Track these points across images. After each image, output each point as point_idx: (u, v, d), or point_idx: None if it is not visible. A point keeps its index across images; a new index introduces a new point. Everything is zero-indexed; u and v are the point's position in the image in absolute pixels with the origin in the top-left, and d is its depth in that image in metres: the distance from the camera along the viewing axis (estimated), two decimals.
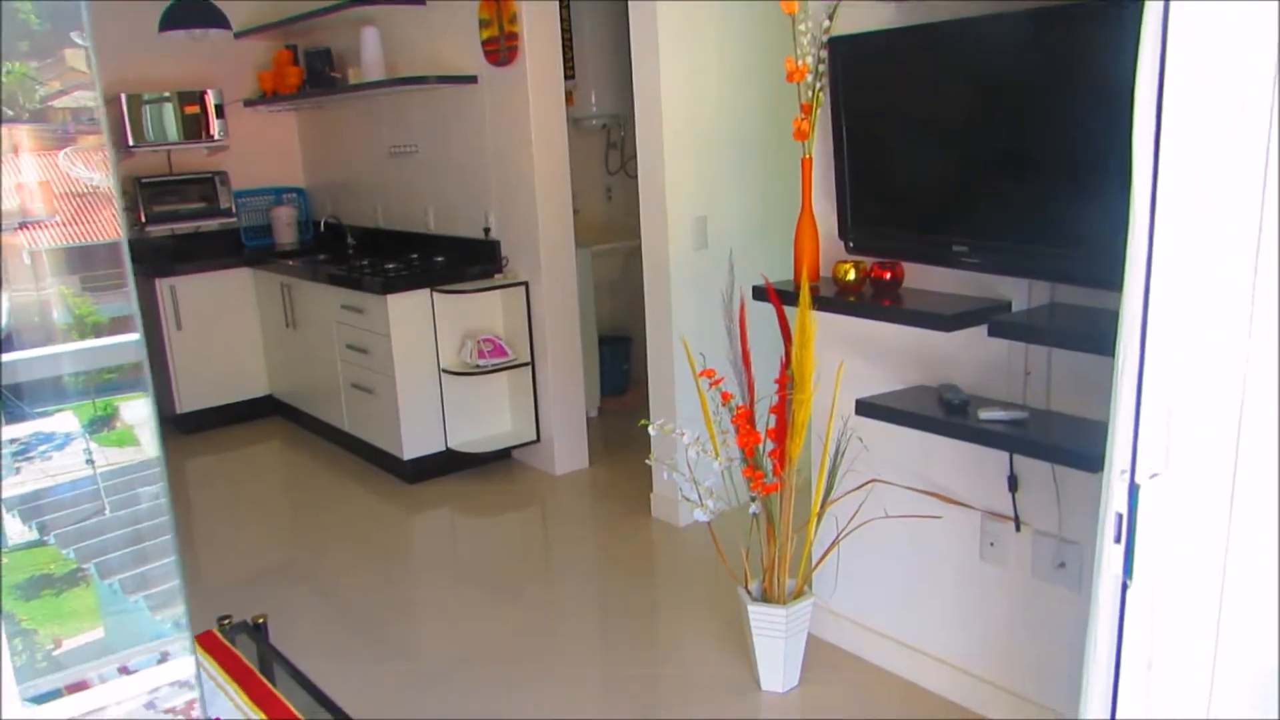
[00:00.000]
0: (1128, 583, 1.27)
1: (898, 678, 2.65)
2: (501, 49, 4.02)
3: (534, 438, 4.26)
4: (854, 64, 2.40)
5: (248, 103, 5.30)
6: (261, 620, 2.31)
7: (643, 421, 2.70)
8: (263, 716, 1.98)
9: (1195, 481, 1.31)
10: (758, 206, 3.72)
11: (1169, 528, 1.27)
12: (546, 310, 4.16)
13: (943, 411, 2.28)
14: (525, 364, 4.20)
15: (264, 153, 5.53)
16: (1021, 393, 2.29)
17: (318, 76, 4.93)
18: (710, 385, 2.51)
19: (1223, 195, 1.25)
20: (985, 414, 2.19)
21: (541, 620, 3.08)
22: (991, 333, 2.15)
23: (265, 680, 2.10)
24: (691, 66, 3.50)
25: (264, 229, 5.47)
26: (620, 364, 5.06)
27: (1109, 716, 1.37)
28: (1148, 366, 1.25)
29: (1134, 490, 1.24)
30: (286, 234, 5.44)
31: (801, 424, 2.48)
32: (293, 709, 1.98)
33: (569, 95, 4.92)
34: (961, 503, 2.45)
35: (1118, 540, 1.26)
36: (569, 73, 4.92)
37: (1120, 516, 1.25)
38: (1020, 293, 2.26)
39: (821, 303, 2.46)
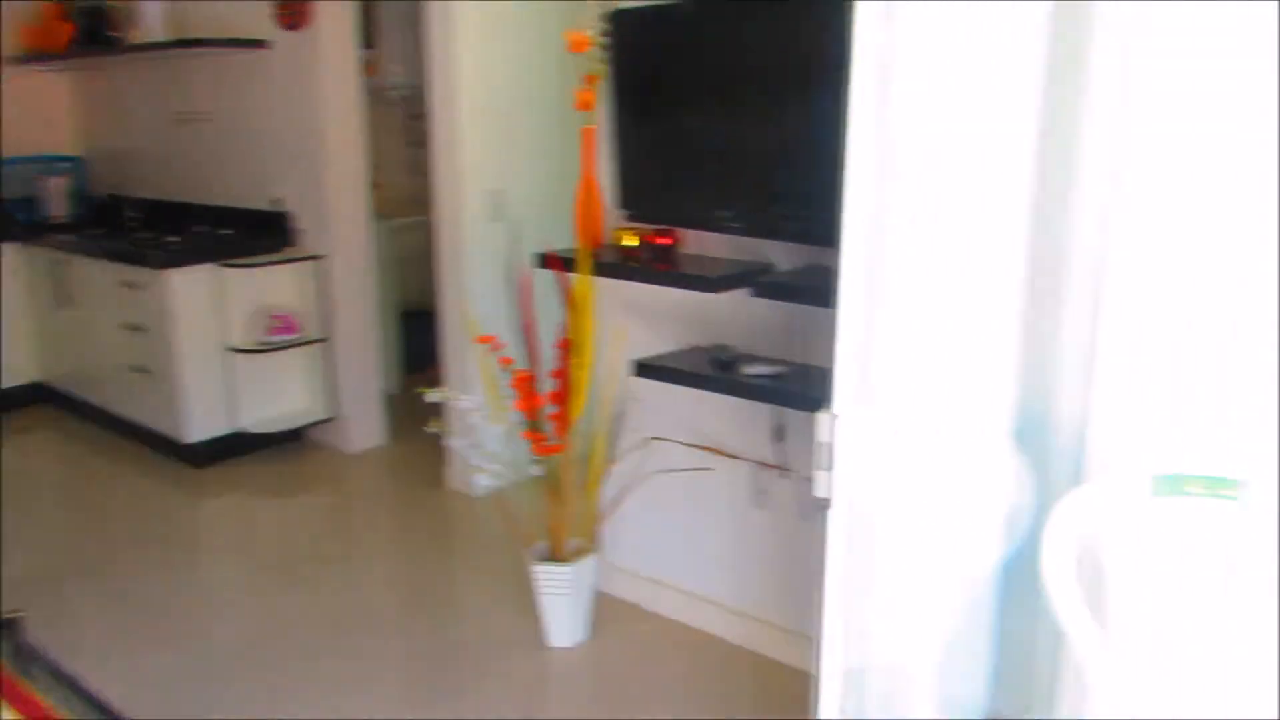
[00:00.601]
0: (829, 506, 1.40)
1: (683, 625, 2.78)
2: (293, 12, 3.88)
3: (329, 415, 4.17)
4: (631, 37, 2.47)
5: (10, 62, 4.88)
6: (15, 616, 2.18)
7: (420, 389, 2.71)
8: (14, 713, 1.88)
9: (888, 415, 1.45)
10: (553, 177, 3.75)
11: (864, 456, 1.40)
12: (342, 285, 4.07)
13: (713, 369, 2.40)
14: (319, 340, 4.09)
15: (31, 118, 5.10)
16: (787, 349, 2.44)
17: (92, 35, 4.59)
18: (490, 351, 2.54)
19: (900, 167, 1.39)
20: (748, 370, 2.32)
21: (338, 600, 3.03)
22: (754, 294, 2.28)
23: (15, 676, 1.99)
24: (486, 37, 3.50)
25: (33, 201, 5.06)
26: (424, 339, 5.00)
27: (822, 633, 1.50)
28: (841, 314, 1.38)
29: (832, 422, 1.36)
30: (59, 206, 5.04)
31: (581, 387, 2.54)
32: (44, 704, 1.89)
33: (371, 64, 4.80)
34: (735, 455, 2.59)
35: (822, 468, 1.38)
36: (369, 41, 4.80)
37: (823, 446, 1.37)
38: (785, 255, 2.40)
39: (601, 269, 2.53)
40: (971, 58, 1.46)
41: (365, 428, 4.21)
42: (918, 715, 1.73)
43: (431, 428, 2.89)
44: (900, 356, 1.54)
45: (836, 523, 1.43)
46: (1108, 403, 1.91)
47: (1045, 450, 2.02)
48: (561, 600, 2.63)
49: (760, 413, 2.50)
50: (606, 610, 2.83)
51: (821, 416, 1.39)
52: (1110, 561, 1.73)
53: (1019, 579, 1.79)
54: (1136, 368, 1.89)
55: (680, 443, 2.65)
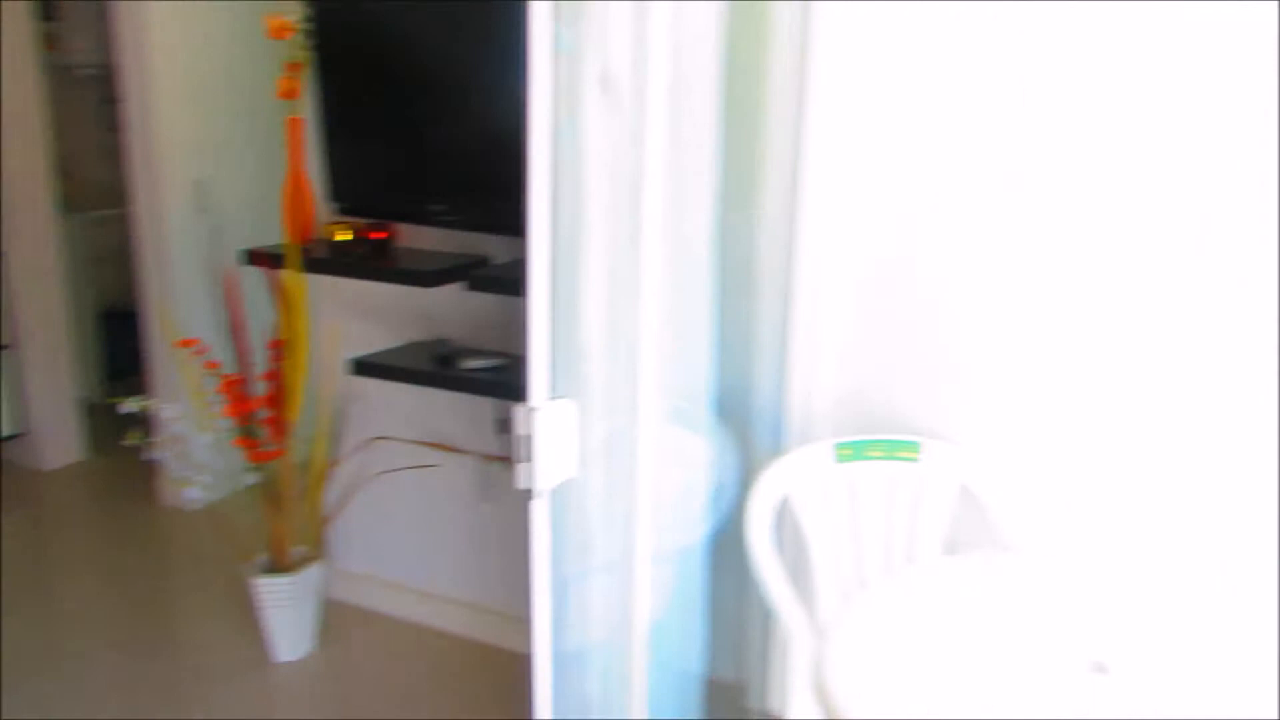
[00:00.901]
0: (535, 496, 1.43)
1: (417, 625, 2.75)
2: None
3: (17, 430, 3.75)
4: (335, 24, 2.39)
5: None
6: None
7: (113, 399, 2.50)
8: None
9: (589, 405, 1.51)
10: (262, 169, 3.56)
11: (567, 445, 1.45)
12: (25, 285, 3.66)
13: (433, 364, 2.38)
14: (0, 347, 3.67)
15: None
16: (507, 340, 2.46)
17: None
18: (194, 355, 2.38)
19: (588, 160, 1.44)
20: (468, 363, 2.32)
21: (39, 632, 2.73)
22: (468, 287, 2.28)
23: None
24: (181, 15, 3.26)
25: None
26: (130, 342, 4.60)
27: (536, 617, 1.54)
28: (532, 307, 1.41)
29: (529, 414, 1.40)
30: None
31: (296, 388, 2.44)
32: None
33: (51, 39, 4.33)
34: (461, 449, 2.59)
35: (523, 460, 1.41)
36: (49, 13, 4.33)
37: (521, 438, 1.40)
38: (504, 247, 2.41)
39: (313, 265, 2.44)
40: (650, 55, 1.52)
41: (61, 442, 3.83)
42: (635, 688, 1.81)
43: (131, 440, 2.67)
44: (600, 344, 1.60)
45: (541, 512, 1.47)
46: (802, 379, 2.09)
47: (748, 426, 2.17)
48: (286, 612, 2.53)
49: (483, 405, 2.51)
50: (336, 618, 2.74)
51: (519, 409, 1.42)
52: (807, 524, 1.89)
53: (728, 548, 1.92)
54: (825, 346, 2.07)
55: (405, 440, 2.61)
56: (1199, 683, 1.24)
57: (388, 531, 2.76)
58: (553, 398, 1.45)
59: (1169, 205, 1.73)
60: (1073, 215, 1.80)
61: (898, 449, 1.98)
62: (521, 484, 1.44)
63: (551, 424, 1.42)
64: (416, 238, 2.52)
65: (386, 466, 2.65)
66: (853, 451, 1.95)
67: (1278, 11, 1.43)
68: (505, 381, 2.29)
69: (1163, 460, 1.82)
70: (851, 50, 1.92)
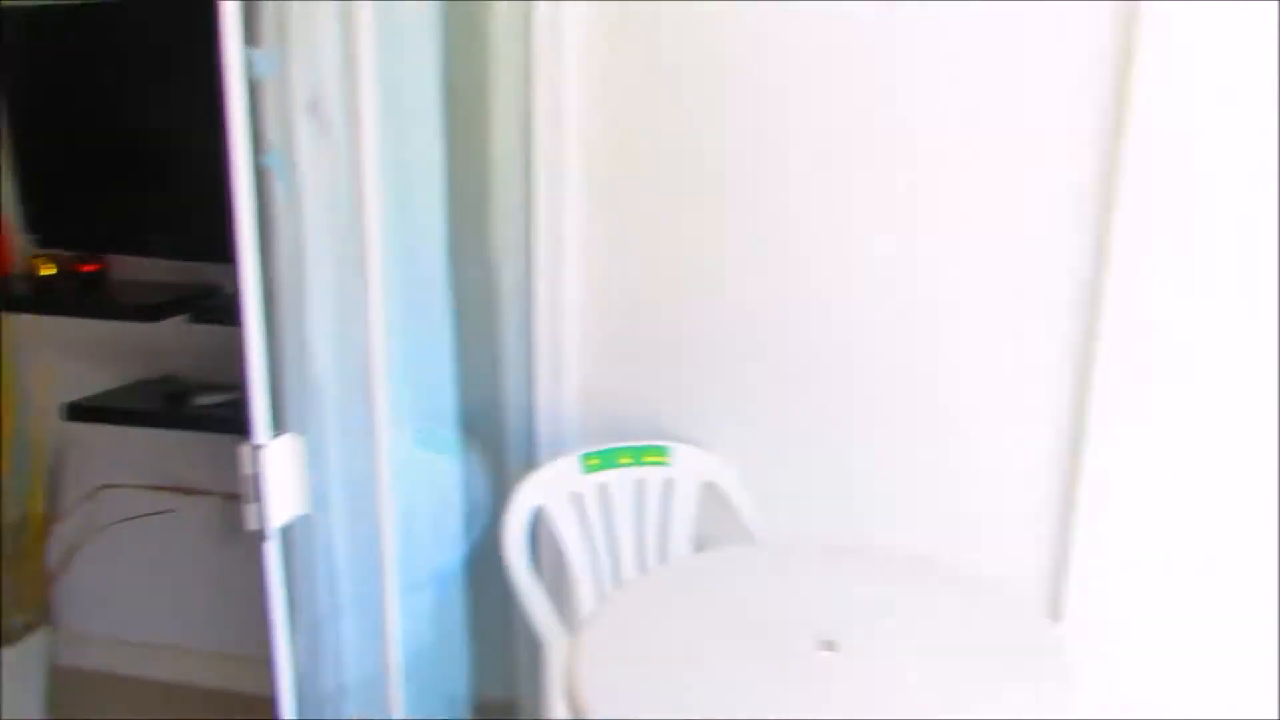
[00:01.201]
0: (266, 537, 1.38)
1: (164, 684, 2.56)
2: None
3: None
4: (18, 40, 2.19)
5: None
6: None
7: None
8: None
9: (325, 436, 1.47)
10: None
11: (290, 485, 1.41)
12: None
13: (162, 403, 2.23)
14: None
15: None
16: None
17: None
18: None
19: (307, 180, 1.41)
20: (201, 400, 2.19)
21: None
22: (192, 319, 2.16)
23: None
24: None
25: None
26: None
27: (277, 661, 1.48)
28: (247, 341, 1.36)
29: (254, 453, 1.35)
30: None
31: (4, 439, 2.22)
32: None
33: None
34: (202, 490, 2.44)
35: (251, 500, 1.35)
36: None
37: (248, 478, 1.35)
38: (232, 277, 2.28)
39: (11, 303, 2.22)
40: (361, 78, 1.50)
41: None
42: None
43: None
44: (332, 374, 1.56)
45: (273, 554, 1.41)
46: (549, 394, 2.12)
47: (500, 443, 2.18)
48: (6, 688, 2.28)
49: (225, 442, 2.37)
50: (69, 687, 2.51)
51: (243, 448, 1.36)
52: (563, 534, 1.92)
53: (488, 566, 1.92)
54: (570, 361, 2.11)
55: (136, 486, 2.43)
56: (918, 656, 1.36)
57: (124, 587, 2.56)
58: (284, 432, 1.40)
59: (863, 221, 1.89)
60: (795, 220, 1.93)
61: (647, 454, 2.05)
62: (252, 525, 1.38)
63: (278, 461, 1.37)
64: (138, 269, 2.35)
65: (116, 517, 2.45)
66: (601, 460, 2.00)
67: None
68: (233, 417, 2.17)
69: (878, 448, 1.99)
70: (576, 73, 1.97)
